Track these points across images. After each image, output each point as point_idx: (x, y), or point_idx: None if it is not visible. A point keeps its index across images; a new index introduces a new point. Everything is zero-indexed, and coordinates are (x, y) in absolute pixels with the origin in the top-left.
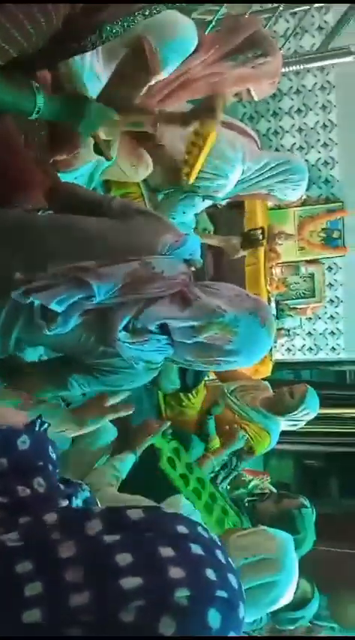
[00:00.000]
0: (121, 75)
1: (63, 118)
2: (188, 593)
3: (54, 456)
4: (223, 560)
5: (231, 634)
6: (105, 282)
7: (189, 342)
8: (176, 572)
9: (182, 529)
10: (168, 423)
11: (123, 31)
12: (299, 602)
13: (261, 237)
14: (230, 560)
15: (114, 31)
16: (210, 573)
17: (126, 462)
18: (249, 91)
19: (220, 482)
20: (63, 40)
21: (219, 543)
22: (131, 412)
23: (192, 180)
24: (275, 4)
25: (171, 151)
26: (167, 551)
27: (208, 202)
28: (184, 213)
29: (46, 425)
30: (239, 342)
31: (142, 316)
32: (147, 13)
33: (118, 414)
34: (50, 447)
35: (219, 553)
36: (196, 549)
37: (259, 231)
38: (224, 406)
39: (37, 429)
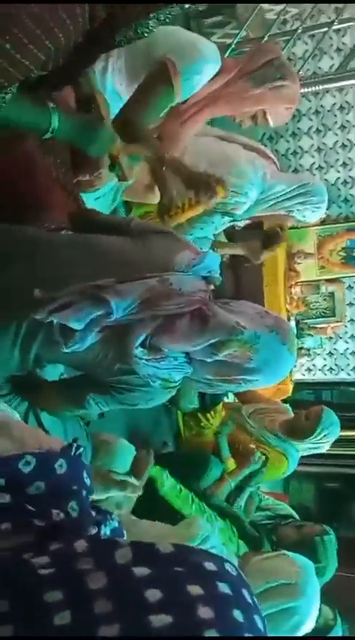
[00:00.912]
0: (143, 96)
1: (75, 139)
2: (216, 635)
3: (88, 481)
4: (249, 601)
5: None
6: (123, 299)
7: (208, 360)
8: (205, 612)
9: (210, 566)
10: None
11: (138, 37)
12: (322, 629)
13: (280, 231)
14: (255, 599)
15: (129, 35)
16: (238, 614)
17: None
18: (264, 114)
19: (234, 502)
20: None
21: (246, 581)
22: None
23: (173, 223)
24: (294, 27)
25: (171, 192)
26: (196, 589)
27: (227, 220)
28: (202, 229)
29: (81, 449)
30: (259, 360)
31: (158, 335)
32: (161, 17)
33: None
34: (85, 472)
35: (245, 592)
36: (224, 588)
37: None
38: (234, 425)
39: (73, 453)
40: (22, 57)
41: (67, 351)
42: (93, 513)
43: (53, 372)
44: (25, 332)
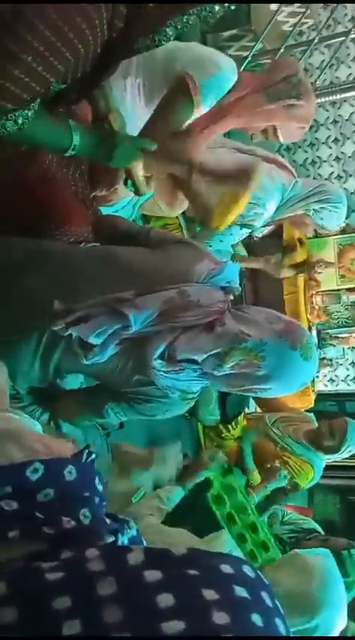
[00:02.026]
0: (164, 112)
1: (95, 154)
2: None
3: (100, 487)
4: (270, 603)
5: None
6: (141, 311)
7: (216, 373)
8: (220, 618)
9: (226, 569)
10: (224, 458)
11: (155, 45)
12: None
13: (297, 242)
14: (276, 602)
15: (147, 43)
16: (256, 619)
17: (175, 495)
18: (275, 130)
19: (261, 516)
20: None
21: (265, 583)
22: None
23: (223, 227)
24: (310, 37)
25: (206, 199)
26: (210, 594)
27: (246, 231)
28: (221, 241)
29: (93, 456)
30: (268, 367)
31: (176, 347)
32: (179, 26)
33: None
34: (97, 479)
35: (265, 595)
36: (241, 592)
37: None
38: (257, 434)
39: (84, 459)
40: (44, 69)
41: (87, 363)
42: (109, 521)
43: (73, 382)
44: (46, 344)
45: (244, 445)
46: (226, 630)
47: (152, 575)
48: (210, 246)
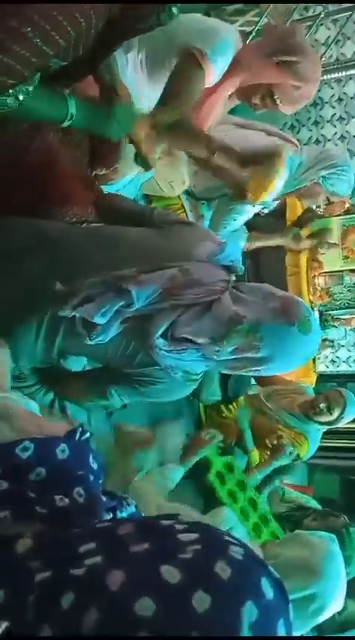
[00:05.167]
0: (177, 86)
1: (93, 123)
2: (243, 552)
3: (95, 466)
4: (239, 557)
5: (281, 623)
6: (144, 288)
7: (215, 358)
8: (229, 538)
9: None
10: (220, 437)
11: (160, 24)
12: (347, 624)
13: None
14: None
15: (153, 22)
16: (258, 557)
17: (175, 473)
18: (272, 97)
19: (261, 493)
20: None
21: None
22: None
23: (258, 201)
24: (316, 12)
25: (233, 172)
26: (221, 531)
27: (259, 208)
28: (235, 220)
29: (87, 434)
30: (267, 348)
31: (177, 324)
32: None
33: None
34: (91, 457)
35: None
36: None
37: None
38: (251, 410)
39: (77, 438)
40: (44, 44)
41: (90, 343)
42: (106, 499)
43: (77, 363)
44: (48, 325)
45: (242, 425)
46: (235, 544)
47: (126, 529)
48: (226, 227)
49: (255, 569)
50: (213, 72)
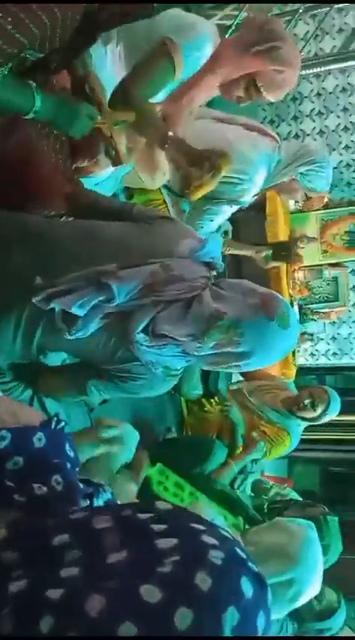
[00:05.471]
0: (143, 69)
1: (56, 118)
2: (223, 556)
3: (72, 454)
4: (245, 556)
5: (261, 614)
6: (125, 284)
7: (196, 354)
8: (208, 539)
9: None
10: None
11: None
12: (326, 613)
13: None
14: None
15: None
16: (240, 552)
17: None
18: (256, 86)
19: (238, 486)
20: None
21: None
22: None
23: (193, 198)
24: (295, 7)
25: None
26: (198, 526)
27: (236, 207)
28: (211, 221)
29: (62, 423)
30: (248, 343)
31: (158, 321)
32: None
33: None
34: (68, 445)
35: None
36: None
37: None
38: (236, 407)
39: (53, 427)
40: (18, 31)
41: (70, 337)
42: (83, 486)
43: (56, 359)
44: (26, 321)
45: (237, 421)
46: (214, 548)
47: (144, 515)
48: (202, 227)
49: (235, 572)
50: (185, 65)
